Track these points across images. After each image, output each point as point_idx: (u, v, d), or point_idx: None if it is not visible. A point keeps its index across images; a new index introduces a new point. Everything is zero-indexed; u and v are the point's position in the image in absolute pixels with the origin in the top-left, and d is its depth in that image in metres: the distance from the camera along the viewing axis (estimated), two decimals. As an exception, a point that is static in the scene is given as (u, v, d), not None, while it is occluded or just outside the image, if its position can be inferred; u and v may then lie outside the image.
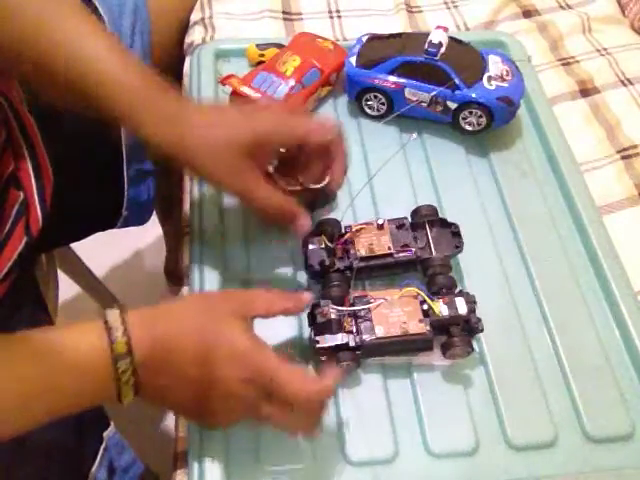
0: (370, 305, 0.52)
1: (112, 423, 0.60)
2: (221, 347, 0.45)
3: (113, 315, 0.44)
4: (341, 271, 0.55)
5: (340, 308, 0.52)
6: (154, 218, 0.91)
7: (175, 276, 1.28)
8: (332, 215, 0.60)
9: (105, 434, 0.58)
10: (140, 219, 0.80)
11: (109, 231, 0.79)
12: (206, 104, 0.66)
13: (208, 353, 0.45)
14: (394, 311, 0.51)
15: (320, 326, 0.51)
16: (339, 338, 0.50)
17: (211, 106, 0.62)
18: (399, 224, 0.57)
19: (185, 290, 0.60)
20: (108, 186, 0.74)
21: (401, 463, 0.50)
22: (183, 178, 0.68)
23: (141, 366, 0.43)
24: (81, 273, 1.11)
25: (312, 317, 0.52)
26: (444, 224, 0.57)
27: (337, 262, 0.55)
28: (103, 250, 1.15)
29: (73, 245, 1.01)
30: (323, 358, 0.52)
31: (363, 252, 0.55)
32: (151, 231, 1.30)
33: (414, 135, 0.67)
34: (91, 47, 0.50)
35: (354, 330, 0.51)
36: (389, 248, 0.55)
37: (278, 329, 0.55)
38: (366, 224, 0.57)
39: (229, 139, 0.51)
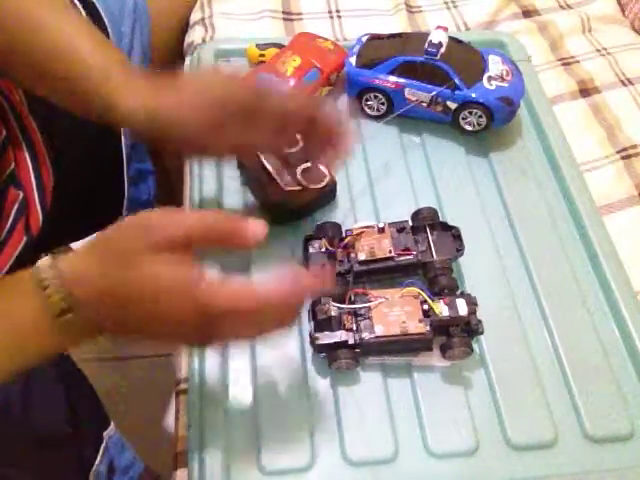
0: (370, 304, 0.52)
1: (112, 423, 0.60)
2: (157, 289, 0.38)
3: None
4: (342, 274, 0.55)
5: (341, 305, 0.52)
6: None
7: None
8: (332, 219, 0.60)
9: (105, 433, 0.58)
10: (140, 219, 0.80)
11: (109, 231, 0.79)
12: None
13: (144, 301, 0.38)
14: (394, 310, 0.51)
15: (320, 323, 0.51)
16: (338, 335, 0.50)
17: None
18: (400, 227, 0.57)
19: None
20: (108, 186, 0.74)
21: (401, 463, 0.50)
22: (183, 178, 0.68)
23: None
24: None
25: (313, 313, 0.52)
26: (445, 227, 0.57)
27: (338, 266, 0.55)
28: (103, 250, 1.14)
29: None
30: (322, 355, 0.52)
31: (364, 256, 0.55)
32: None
33: (416, 140, 0.67)
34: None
35: (354, 328, 0.51)
36: (390, 252, 0.55)
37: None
38: (367, 227, 0.56)
39: (221, 94, 0.48)
